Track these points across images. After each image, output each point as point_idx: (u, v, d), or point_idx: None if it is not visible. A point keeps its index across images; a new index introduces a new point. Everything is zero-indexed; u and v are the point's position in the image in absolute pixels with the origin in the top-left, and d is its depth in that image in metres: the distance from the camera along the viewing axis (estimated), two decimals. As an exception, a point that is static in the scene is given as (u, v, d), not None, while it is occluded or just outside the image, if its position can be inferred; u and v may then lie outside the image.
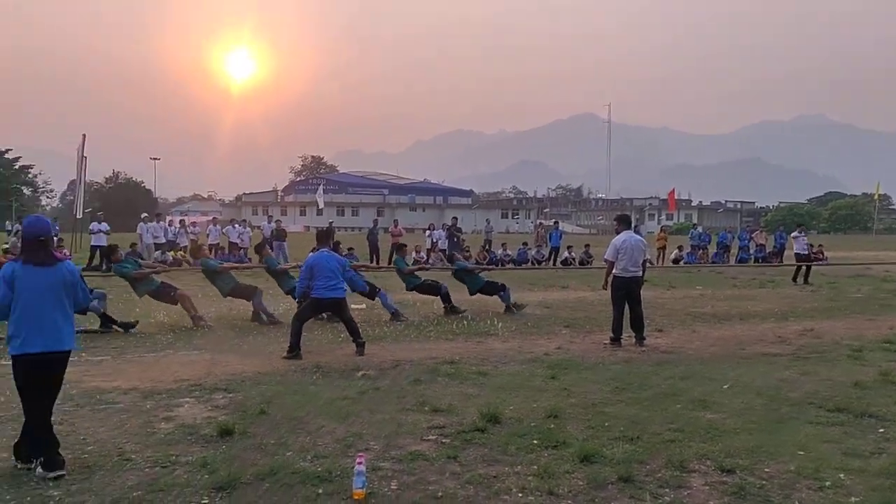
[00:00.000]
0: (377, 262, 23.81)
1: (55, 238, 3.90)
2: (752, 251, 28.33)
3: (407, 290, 12.59)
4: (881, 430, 5.55)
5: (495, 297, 12.62)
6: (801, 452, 4.97)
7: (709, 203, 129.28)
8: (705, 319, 12.06)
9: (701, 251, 28.36)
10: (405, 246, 14.10)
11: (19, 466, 4.54)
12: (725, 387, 6.95)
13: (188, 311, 10.49)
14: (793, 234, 21.02)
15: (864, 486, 4.39)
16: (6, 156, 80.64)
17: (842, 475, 4.55)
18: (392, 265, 13.73)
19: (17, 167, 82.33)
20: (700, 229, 31.36)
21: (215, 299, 11.82)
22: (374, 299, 11.80)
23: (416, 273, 12.72)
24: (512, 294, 12.65)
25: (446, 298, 12.12)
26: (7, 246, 19.99)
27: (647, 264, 10.73)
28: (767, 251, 28.51)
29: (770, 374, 7.61)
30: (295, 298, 9.60)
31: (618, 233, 9.80)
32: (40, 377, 4.58)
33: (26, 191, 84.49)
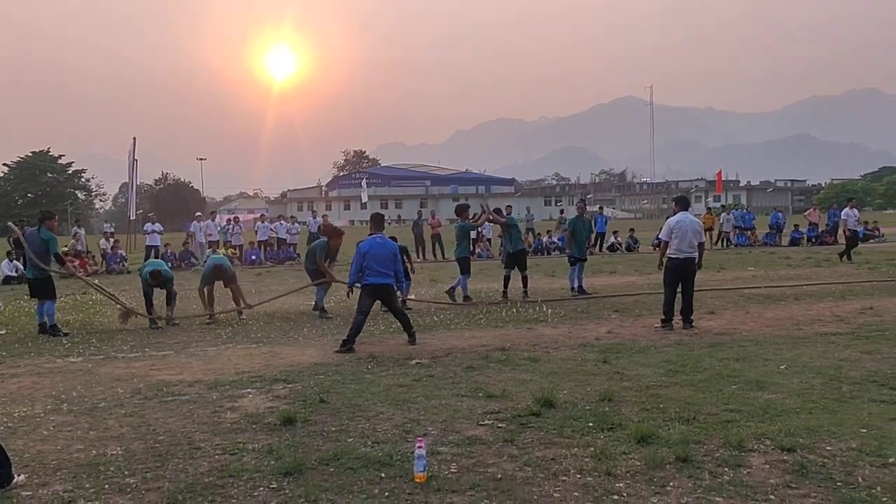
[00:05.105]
0: (423, 254, 24.01)
1: None
2: (804, 230, 27.73)
3: None
4: (947, 407, 5.43)
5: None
6: (864, 430, 4.90)
7: (758, 183, 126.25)
8: (759, 300, 11.88)
9: (749, 231, 27.83)
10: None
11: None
12: (782, 367, 6.88)
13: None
14: (843, 211, 20.32)
15: (931, 462, 4.32)
16: (60, 161, 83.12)
17: (907, 452, 4.47)
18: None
19: (70, 172, 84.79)
20: (741, 211, 30.48)
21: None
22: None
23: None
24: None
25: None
26: (66, 249, 20.74)
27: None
28: (821, 230, 27.87)
29: (829, 353, 7.50)
30: (349, 286, 9.07)
31: (674, 213, 9.80)
32: None
33: (80, 195, 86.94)
